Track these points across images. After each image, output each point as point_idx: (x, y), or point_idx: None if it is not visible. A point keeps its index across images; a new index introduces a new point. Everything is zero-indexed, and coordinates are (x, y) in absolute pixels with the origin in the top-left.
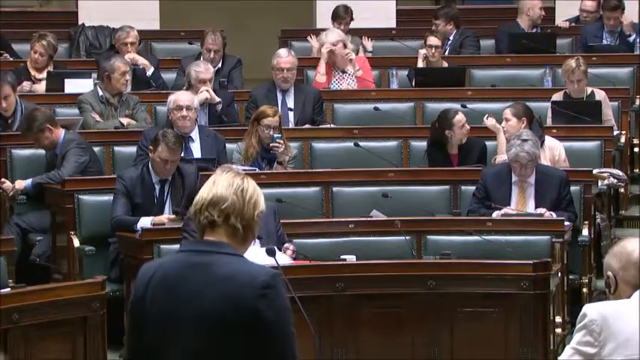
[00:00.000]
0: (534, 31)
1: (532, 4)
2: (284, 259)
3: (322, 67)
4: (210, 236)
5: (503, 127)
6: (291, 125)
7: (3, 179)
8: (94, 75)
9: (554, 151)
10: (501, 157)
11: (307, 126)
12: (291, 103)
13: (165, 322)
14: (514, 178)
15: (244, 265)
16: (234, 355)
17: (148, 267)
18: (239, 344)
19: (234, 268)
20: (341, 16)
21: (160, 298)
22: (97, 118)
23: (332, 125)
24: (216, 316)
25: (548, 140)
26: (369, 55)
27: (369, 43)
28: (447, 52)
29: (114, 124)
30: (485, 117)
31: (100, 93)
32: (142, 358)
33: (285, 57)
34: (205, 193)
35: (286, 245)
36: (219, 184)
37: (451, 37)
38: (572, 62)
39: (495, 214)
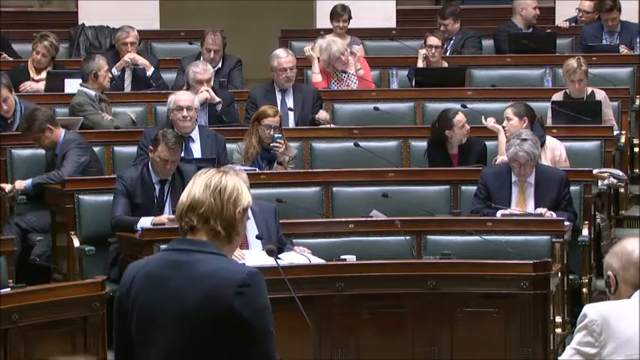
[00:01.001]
0: (530, 30)
1: (525, 4)
2: (297, 257)
3: (316, 66)
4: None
5: (504, 127)
6: (292, 125)
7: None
8: None
9: (554, 151)
10: (502, 158)
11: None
12: (290, 103)
13: (147, 319)
14: (514, 178)
15: (224, 263)
16: (213, 354)
17: (133, 265)
18: (218, 343)
19: (214, 267)
20: (339, 13)
21: (142, 296)
22: (107, 116)
23: (332, 125)
24: (196, 314)
25: (549, 140)
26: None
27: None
28: (448, 52)
29: (125, 119)
30: (483, 118)
31: (93, 93)
32: (125, 354)
33: (285, 57)
34: (184, 197)
35: (302, 248)
36: (197, 187)
37: (453, 37)
38: (574, 62)
39: (499, 214)
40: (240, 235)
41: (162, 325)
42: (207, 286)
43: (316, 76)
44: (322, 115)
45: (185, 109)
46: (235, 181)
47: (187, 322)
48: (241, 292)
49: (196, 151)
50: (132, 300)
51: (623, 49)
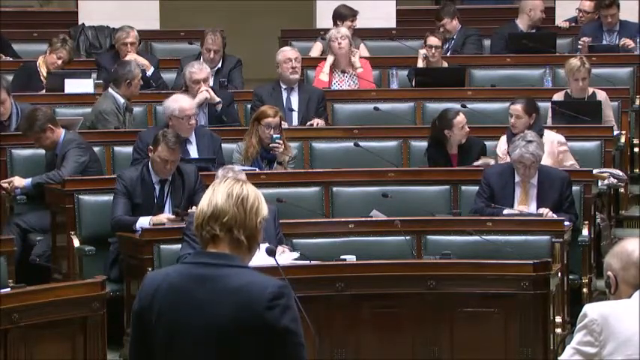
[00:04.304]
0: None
1: (534, 5)
2: (283, 258)
3: (327, 66)
4: (214, 249)
5: (512, 124)
6: (295, 124)
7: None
8: (94, 75)
9: (554, 142)
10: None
11: (312, 123)
12: (295, 102)
13: (174, 334)
14: (517, 179)
15: (252, 277)
16: None
17: (152, 277)
18: (248, 356)
19: (242, 281)
20: (348, 15)
21: (168, 310)
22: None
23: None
24: (227, 328)
25: (547, 133)
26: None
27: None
28: (449, 52)
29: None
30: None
31: (122, 100)
32: None
33: (290, 49)
34: (205, 205)
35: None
36: (218, 195)
37: (454, 36)
38: (577, 61)
39: (506, 212)
40: (258, 245)
41: (190, 340)
42: (237, 300)
43: (324, 75)
44: (318, 122)
45: (192, 117)
46: (256, 191)
47: (218, 337)
48: (273, 306)
49: (193, 151)
50: (156, 314)
51: (628, 43)
